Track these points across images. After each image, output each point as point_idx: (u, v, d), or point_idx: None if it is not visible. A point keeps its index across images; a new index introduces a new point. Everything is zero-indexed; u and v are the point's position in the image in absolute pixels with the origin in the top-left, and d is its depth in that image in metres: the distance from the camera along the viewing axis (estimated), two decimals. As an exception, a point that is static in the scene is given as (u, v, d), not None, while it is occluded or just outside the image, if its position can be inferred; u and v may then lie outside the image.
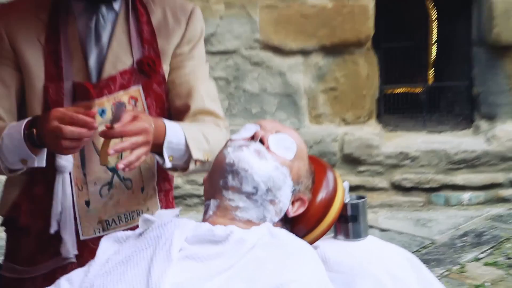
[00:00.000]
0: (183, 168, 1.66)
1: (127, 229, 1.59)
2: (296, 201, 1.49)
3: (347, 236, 1.53)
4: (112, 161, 1.62)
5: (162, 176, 1.79)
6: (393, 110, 4.79)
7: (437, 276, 3.16)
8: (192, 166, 1.65)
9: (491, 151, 4.39)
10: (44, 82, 1.65)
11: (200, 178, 4.19)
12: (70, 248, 1.69)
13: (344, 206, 1.53)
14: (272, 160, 1.45)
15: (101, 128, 1.47)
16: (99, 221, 1.71)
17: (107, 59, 1.66)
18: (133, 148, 1.46)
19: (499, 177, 4.40)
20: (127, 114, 1.48)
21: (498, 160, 4.39)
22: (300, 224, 1.50)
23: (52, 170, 1.64)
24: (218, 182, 1.44)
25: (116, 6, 1.68)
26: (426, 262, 3.35)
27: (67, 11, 1.66)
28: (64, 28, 1.65)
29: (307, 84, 4.37)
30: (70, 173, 1.67)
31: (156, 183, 1.78)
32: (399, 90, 4.93)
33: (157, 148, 1.58)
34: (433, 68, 5.01)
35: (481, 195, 4.39)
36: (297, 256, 1.33)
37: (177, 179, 4.25)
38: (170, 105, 1.75)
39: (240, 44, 4.30)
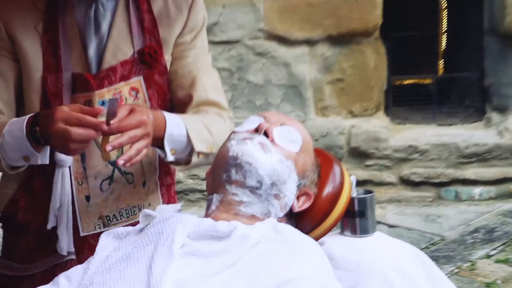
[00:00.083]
0: (186, 161, 1.65)
1: (128, 225, 1.60)
2: (302, 195, 1.49)
3: (354, 232, 1.52)
4: (114, 156, 1.62)
5: (164, 170, 1.79)
6: (401, 102, 4.78)
7: (446, 274, 3.17)
8: (195, 158, 1.64)
9: (503, 144, 4.39)
10: (42, 73, 1.64)
11: (203, 172, 4.22)
12: (64, 246, 1.68)
13: (351, 201, 1.52)
14: (276, 153, 1.45)
15: (101, 119, 1.47)
16: (99, 217, 1.71)
17: (107, 49, 1.65)
18: (131, 142, 1.45)
19: (511, 171, 4.40)
20: (123, 108, 1.46)
21: (510, 154, 4.39)
22: (305, 220, 1.50)
23: (51, 164, 1.63)
24: (221, 176, 1.44)
25: None
26: (435, 259, 3.36)
27: None
28: (62, 17, 1.65)
29: (313, 75, 4.37)
30: (69, 167, 1.67)
31: (158, 177, 1.78)
32: (408, 81, 4.93)
33: (158, 141, 1.57)
34: (443, 59, 5.00)
35: (493, 189, 4.39)
36: (302, 253, 1.33)
37: (179, 174, 4.26)
38: (172, 96, 1.75)
39: (244, 33, 4.30)
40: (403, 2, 4.69)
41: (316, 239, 1.46)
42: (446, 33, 4.97)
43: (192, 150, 1.63)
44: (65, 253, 1.69)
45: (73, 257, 1.70)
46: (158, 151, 1.62)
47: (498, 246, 3.74)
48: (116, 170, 1.71)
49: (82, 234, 1.71)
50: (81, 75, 1.64)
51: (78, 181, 1.68)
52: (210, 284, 1.26)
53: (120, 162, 1.44)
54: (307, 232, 1.46)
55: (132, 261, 1.33)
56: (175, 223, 1.38)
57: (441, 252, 3.68)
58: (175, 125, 1.60)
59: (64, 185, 1.66)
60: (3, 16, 1.64)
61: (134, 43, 1.68)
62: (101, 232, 1.51)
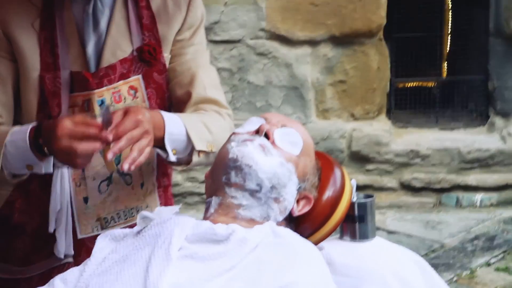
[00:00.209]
0: (186, 161, 1.65)
1: (125, 227, 1.60)
2: (302, 199, 1.49)
3: (353, 237, 1.53)
4: (116, 162, 1.63)
5: (161, 171, 1.80)
6: (404, 105, 4.77)
7: (445, 282, 3.17)
8: (195, 158, 1.63)
9: (506, 150, 4.39)
10: (39, 71, 1.63)
11: (201, 175, 4.23)
12: (62, 248, 1.68)
13: (351, 205, 1.53)
14: (277, 156, 1.45)
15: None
16: (97, 219, 1.71)
17: (106, 47, 1.65)
18: (131, 144, 1.45)
19: (514, 177, 4.41)
20: (117, 114, 1.46)
21: (513, 160, 4.39)
22: (305, 224, 1.50)
23: None
24: (220, 178, 1.45)
25: None
26: (434, 266, 3.35)
27: None
28: (60, 13, 1.63)
29: (314, 77, 4.36)
30: (67, 168, 1.66)
31: (156, 179, 1.78)
32: (410, 84, 4.92)
33: (158, 141, 1.56)
34: (447, 61, 5.00)
35: (494, 196, 4.39)
36: (301, 257, 1.34)
37: (177, 176, 4.26)
38: (171, 94, 1.75)
39: (245, 33, 4.29)
40: (408, 2, 4.69)
41: (316, 243, 1.47)
42: (450, 35, 4.96)
43: (192, 149, 1.63)
44: (62, 256, 1.69)
45: (71, 260, 1.70)
46: (159, 151, 1.62)
47: (498, 254, 3.74)
48: (114, 171, 1.70)
49: (79, 236, 1.71)
50: (80, 74, 1.63)
51: (76, 182, 1.68)
52: (208, 288, 1.28)
53: (125, 166, 1.43)
54: (306, 236, 1.47)
55: (129, 263, 1.33)
56: (173, 226, 1.38)
57: (440, 259, 3.68)
58: (174, 124, 1.60)
59: (63, 186, 1.66)
60: None
61: (133, 40, 1.67)
62: (99, 235, 1.51)
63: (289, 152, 1.47)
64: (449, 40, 4.96)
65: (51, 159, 1.55)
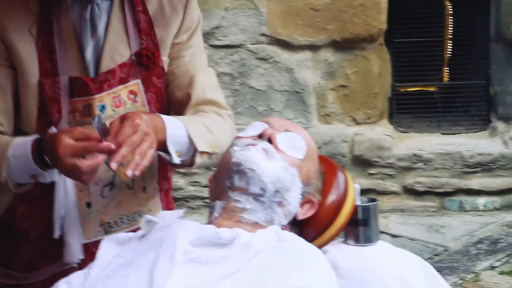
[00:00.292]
0: (190, 163, 1.64)
1: (129, 231, 1.60)
2: (305, 203, 1.49)
3: (357, 240, 1.53)
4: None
5: (162, 175, 1.80)
6: (405, 110, 4.77)
7: (450, 285, 3.16)
8: (198, 159, 1.63)
9: (508, 154, 4.39)
10: (38, 77, 1.62)
11: (204, 179, 4.23)
12: (74, 253, 1.68)
13: (355, 209, 1.53)
14: (280, 160, 1.45)
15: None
16: (101, 224, 1.71)
17: (104, 52, 1.64)
18: (133, 149, 1.44)
19: (516, 181, 4.41)
20: (113, 122, 1.47)
21: (515, 164, 4.40)
22: (309, 228, 1.50)
23: None
24: (224, 183, 1.45)
25: None
26: (438, 270, 3.34)
27: (59, 0, 1.63)
28: (57, 19, 1.63)
29: (316, 81, 4.37)
30: None
31: (157, 182, 1.78)
32: (412, 89, 4.92)
33: (160, 145, 1.56)
34: (448, 66, 5.01)
35: (497, 200, 4.39)
36: (306, 261, 1.33)
37: (180, 181, 4.27)
38: (171, 97, 1.75)
39: (246, 38, 4.30)
40: (408, 8, 4.70)
41: (320, 247, 1.47)
42: (451, 40, 4.97)
43: (194, 151, 1.62)
44: (75, 261, 1.68)
45: (75, 265, 1.68)
46: (163, 154, 1.61)
47: (502, 258, 3.74)
48: (116, 175, 1.70)
49: (83, 241, 1.70)
50: (80, 79, 1.63)
51: (78, 187, 1.67)
52: (213, 292, 1.28)
53: (129, 173, 1.44)
54: (310, 240, 1.47)
55: (134, 267, 1.33)
56: (177, 230, 1.38)
57: (444, 263, 3.68)
58: (175, 126, 1.60)
59: (67, 192, 1.66)
60: None
61: (130, 45, 1.67)
62: (102, 240, 1.51)
63: (292, 156, 1.48)
64: (449, 46, 4.96)
65: (55, 169, 1.55)
